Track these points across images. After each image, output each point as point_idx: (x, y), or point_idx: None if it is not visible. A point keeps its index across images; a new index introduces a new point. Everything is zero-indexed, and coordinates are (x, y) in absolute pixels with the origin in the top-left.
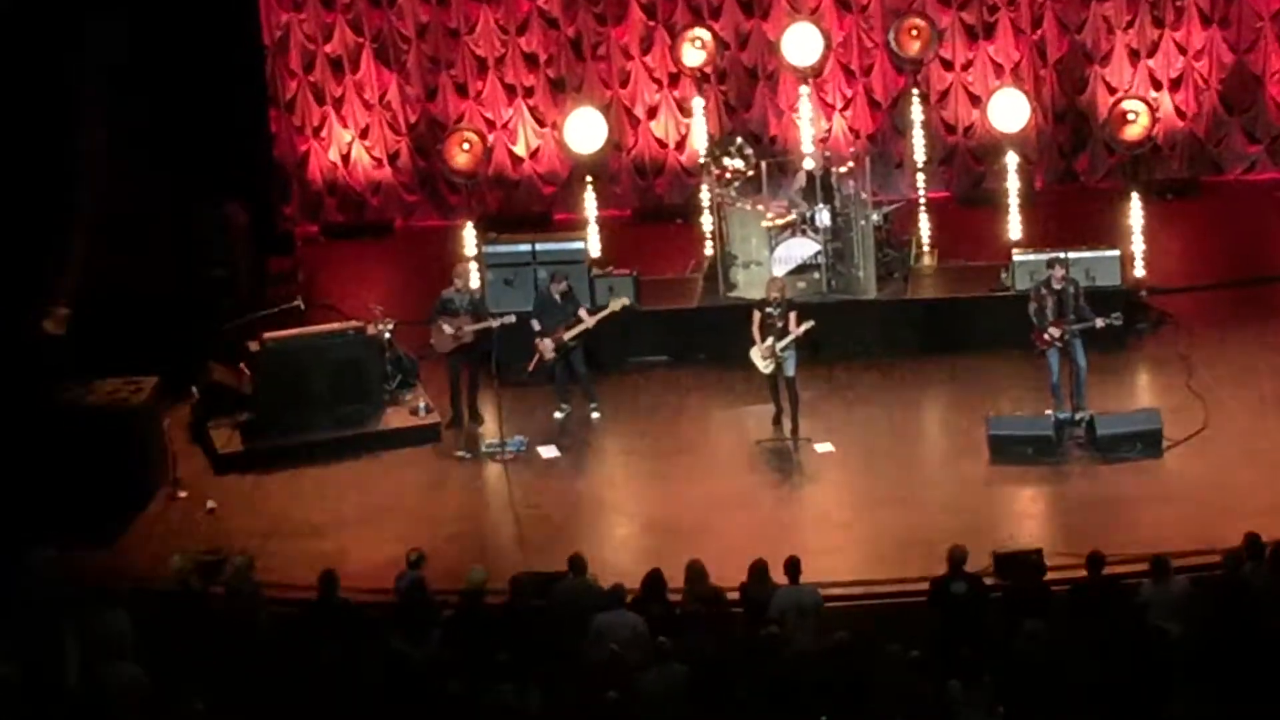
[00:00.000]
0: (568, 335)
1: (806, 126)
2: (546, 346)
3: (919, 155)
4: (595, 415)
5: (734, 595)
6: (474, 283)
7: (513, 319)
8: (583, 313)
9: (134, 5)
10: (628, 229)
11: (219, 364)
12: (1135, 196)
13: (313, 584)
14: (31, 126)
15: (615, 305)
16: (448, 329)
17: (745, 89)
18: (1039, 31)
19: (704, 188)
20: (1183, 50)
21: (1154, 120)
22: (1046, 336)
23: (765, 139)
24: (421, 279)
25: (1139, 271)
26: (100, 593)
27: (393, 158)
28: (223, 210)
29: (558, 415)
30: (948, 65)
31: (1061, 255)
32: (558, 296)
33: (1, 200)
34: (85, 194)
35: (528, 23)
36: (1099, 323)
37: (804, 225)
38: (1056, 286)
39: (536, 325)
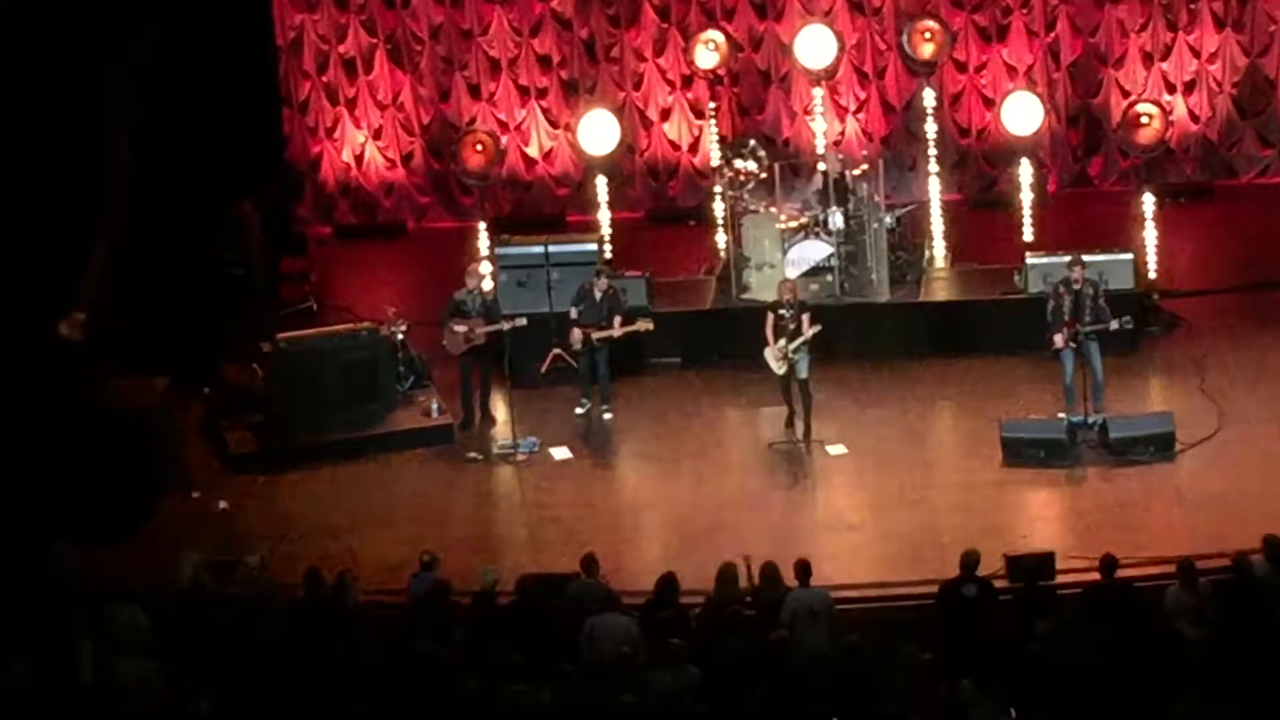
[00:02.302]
0: (596, 336)
1: (820, 129)
2: (576, 336)
3: (932, 158)
4: (607, 416)
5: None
6: (487, 284)
7: (524, 322)
8: (617, 320)
9: (149, 6)
10: (641, 231)
11: (232, 364)
12: (1148, 200)
13: (327, 584)
14: (56, 130)
15: (641, 326)
16: (460, 330)
17: (758, 91)
18: (1052, 34)
19: (717, 190)
20: (1196, 54)
21: (1167, 124)
22: (1059, 337)
23: (778, 141)
24: (434, 280)
25: (1152, 275)
26: (115, 589)
27: (406, 159)
28: (236, 211)
29: (578, 411)
30: (961, 68)
31: (1083, 258)
32: (598, 294)
33: (24, 203)
34: (108, 200)
35: (541, 24)
36: (1112, 325)
37: (817, 228)
38: (1075, 287)
39: (574, 313)
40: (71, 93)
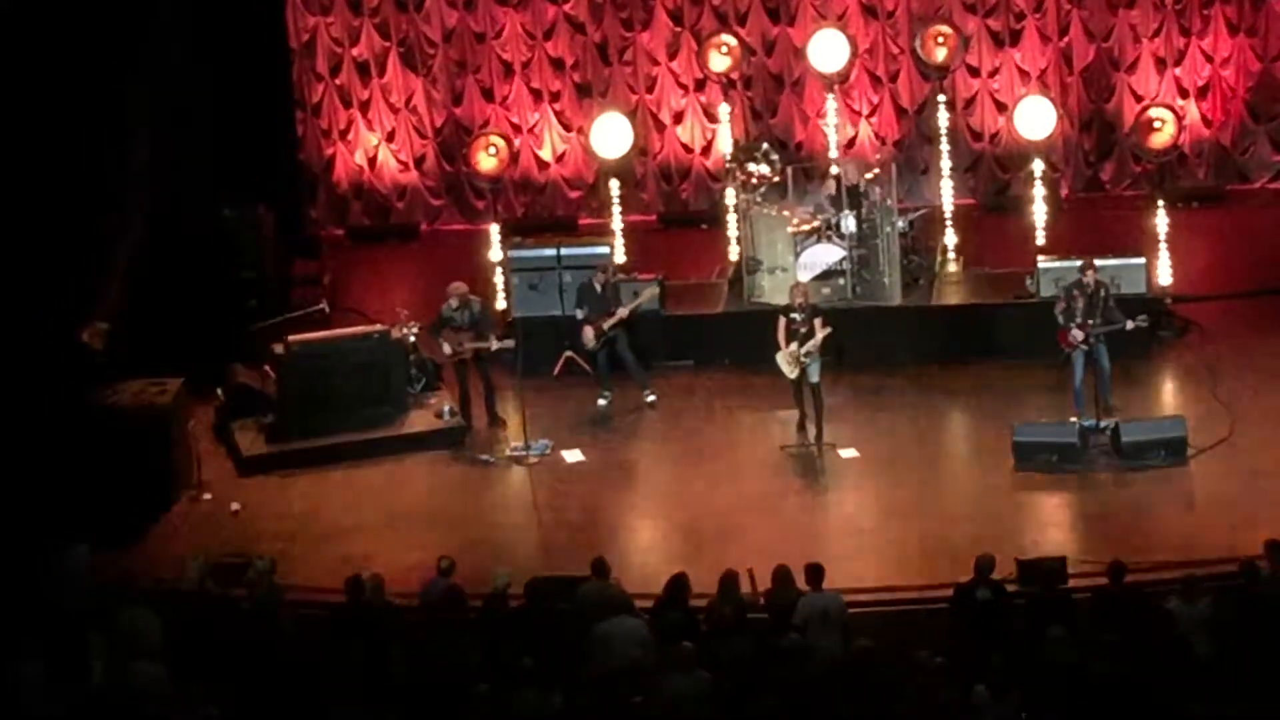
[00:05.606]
0: (606, 325)
1: (832, 133)
2: (588, 335)
3: (945, 162)
4: (650, 399)
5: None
6: (474, 299)
7: (511, 343)
8: (622, 309)
9: (163, 9)
10: (653, 234)
11: (244, 366)
12: (1161, 205)
13: (336, 587)
14: (79, 141)
15: (646, 295)
16: (447, 348)
17: (771, 95)
18: (1065, 39)
19: (729, 193)
20: (1209, 58)
21: (1180, 128)
22: (1071, 338)
23: (791, 145)
24: (447, 283)
25: (1164, 280)
26: (127, 592)
27: (419, 161)
28: (249, 213)
29: (601, 403)
30: (974, 72)
31: (1096, 262)
32: (598, 287)
33: (46, 213)
34: (131, 210)
35: (554, 27)
36: (1128, 324)
37: (829, 231)
38: (1088, 290)
39: (579, 314)
40: (92, 97)
